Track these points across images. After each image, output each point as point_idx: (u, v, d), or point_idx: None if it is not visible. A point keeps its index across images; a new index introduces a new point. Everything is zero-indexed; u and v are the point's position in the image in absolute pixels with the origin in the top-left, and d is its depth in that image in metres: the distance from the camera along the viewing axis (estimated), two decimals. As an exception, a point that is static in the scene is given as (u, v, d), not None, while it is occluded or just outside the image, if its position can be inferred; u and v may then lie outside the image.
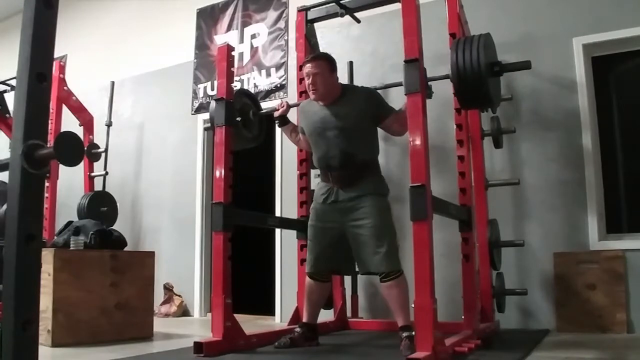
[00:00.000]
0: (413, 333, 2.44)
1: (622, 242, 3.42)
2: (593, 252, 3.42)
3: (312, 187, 3.64)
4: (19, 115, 1.06)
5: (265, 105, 4.83)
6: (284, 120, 3.26)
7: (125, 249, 3.58)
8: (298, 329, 2.95)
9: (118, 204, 5.14)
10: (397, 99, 4.06)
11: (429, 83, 2.57)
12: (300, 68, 3.61)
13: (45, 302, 2.96)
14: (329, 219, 2.89)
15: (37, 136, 1.06)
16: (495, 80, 2.72)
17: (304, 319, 3.01)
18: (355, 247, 2.82)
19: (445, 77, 2.67)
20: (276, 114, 3.24)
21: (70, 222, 3.62)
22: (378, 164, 3.01)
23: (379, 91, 3.17)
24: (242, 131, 3.24)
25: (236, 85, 4.80)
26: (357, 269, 3.05)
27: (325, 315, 3.64)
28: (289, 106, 3.26)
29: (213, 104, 3.08)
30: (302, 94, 3.61)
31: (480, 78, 2.51)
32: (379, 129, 3.02)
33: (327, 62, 2.94)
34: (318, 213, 2.94)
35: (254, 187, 5.11)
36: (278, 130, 4.71)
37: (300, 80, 3.62)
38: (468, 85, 2.55)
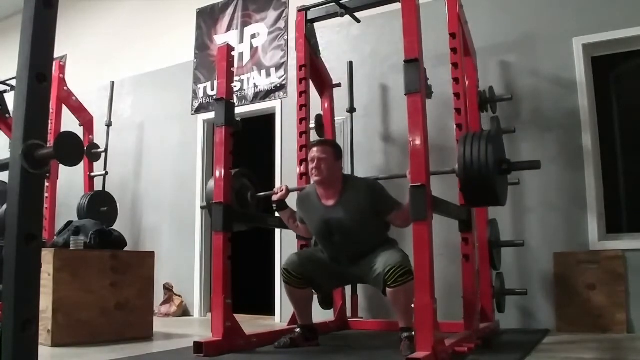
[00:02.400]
0: (413, 333, 2.43)
1: (622, 242, 3.42)
2: (593, 252, 3.42)
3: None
4: (19, 115, 1.06)
5: (263, 105, 4.86)
6: (282, 205, 3.11)
7: (125, 249, 3.58)
8: (298, 330, 2.95)
9: (118, 204, 5.14)
10: (397, 97, 4.07)
11: (429, 84, 2.56)
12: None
13: (45, 302, 2.96)
14: (330, 265, 2.92)
15: (37, 136, 1.06)
16: (502, 178, 2.66)
17: (299, 322, 3.00)
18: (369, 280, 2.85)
19: (452, 172, 2.63)
20: (274, 197, 3.09)
21: (70, 222, 3.62)
22: (387, 237, 2.95)
23: (382, 181, 3.08)
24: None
25: (236, 86, 4.82)
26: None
27: (325, 315, 3.65)
28: (289, 191, 3.11)
29: (211, 182, 3.07)
30: (302, 94, 3.61)
31: (488, 178, 2.47)
32: None
33: (333, 149, 2.90)
34: (323, 257, 2.95)
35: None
36: (278, 130, 4.72)
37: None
38: (475, 184, 2.51)
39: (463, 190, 2.63)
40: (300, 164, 3.59)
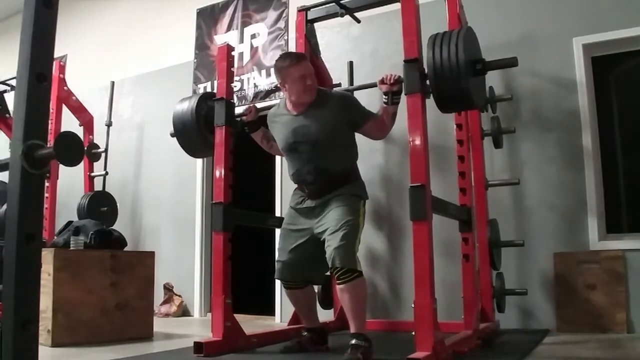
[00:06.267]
0: (362, 344, 2.36)
1: (622, 242, 3.42)
2: (593, 252, 3.41)
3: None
4: (19, 115, 1.06)
5: (263, 104, 4.84)
6: (253, 127, 3.00)
7: (125, 249, 3.58)
8: (305, 333, 2.87)
9: (118, 204, 5.14)
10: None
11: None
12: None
13: (45, 302, 2.96)
14: (299, 223, 2.72)
15: (37, 136, 1.06)
16: (478, 80, 2.48)
17: (306, 326, 2.93)
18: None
19: (424, 76, 2.47)
20: (244, 119, 3.01)
21: (70, 222, 3.62)
22: (356, 170, 2.81)
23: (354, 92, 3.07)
24: (208, 137, 3.05)
25: (236, 86, 4.82)
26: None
27: (325, 315, 3.65)
28: (257, 110, 3.04)
29: (178, 106, 3.04)
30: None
31: (459, 77, 2.26)
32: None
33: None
34: (290, 216, 2.79)
35: (254, 187, 5.11)
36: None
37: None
38: (446, 85, 2.31)
39: (434, 95, 2.39)
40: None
